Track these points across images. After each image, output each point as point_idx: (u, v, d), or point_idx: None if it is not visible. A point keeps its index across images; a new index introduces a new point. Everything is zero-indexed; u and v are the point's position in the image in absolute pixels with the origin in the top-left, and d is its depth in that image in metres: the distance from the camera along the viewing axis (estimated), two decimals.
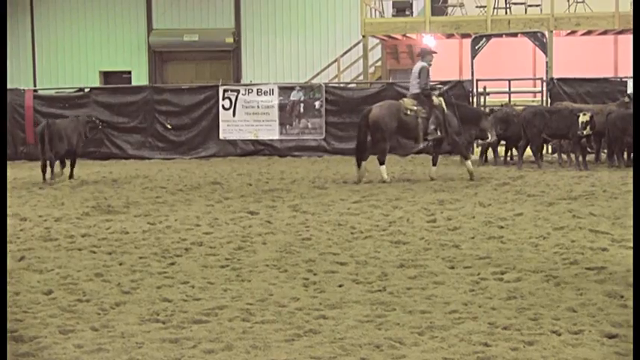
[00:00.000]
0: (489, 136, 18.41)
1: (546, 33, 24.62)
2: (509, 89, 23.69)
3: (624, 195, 14.45)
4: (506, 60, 27.97)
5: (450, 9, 28.51)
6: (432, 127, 17.56)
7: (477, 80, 23.57)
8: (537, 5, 26.97)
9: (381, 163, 17.49)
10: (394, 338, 6.61)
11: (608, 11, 25.59)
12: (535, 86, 25.46)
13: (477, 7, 27.57)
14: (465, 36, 27.54)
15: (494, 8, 26.92)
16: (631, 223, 11.63)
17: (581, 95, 22.66)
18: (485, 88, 23.60)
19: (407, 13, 28.22)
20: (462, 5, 27.95)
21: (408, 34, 27.83)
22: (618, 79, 23.98)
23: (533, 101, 23.90)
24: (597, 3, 26.38)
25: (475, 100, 23.32)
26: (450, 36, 28.06)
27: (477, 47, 23.72)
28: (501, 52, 27.44)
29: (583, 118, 18.93)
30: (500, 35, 25.47)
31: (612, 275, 8.62)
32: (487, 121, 18.45)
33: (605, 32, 27.20)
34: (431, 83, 17.94)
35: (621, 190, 15.12)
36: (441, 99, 17.96)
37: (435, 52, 18.33)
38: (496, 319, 7.08)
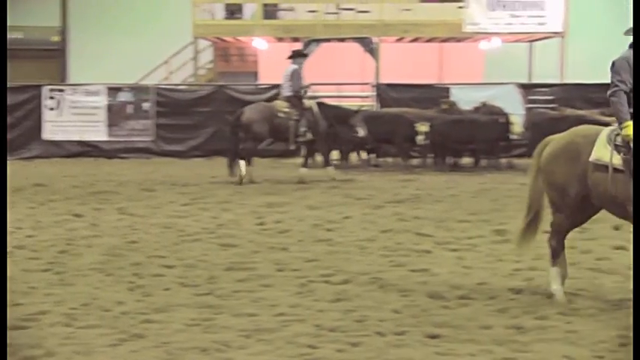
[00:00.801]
0: (360, 132, 18.64)
1: (375, 39, 25.06)
2: (339, 93, 23.96)
3: (448, 198, 14.85)
4: (336, 64, 28.33)
5: (281, 13, 28.63)
6: (302, 129, 17.70)
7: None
8: (367, 11, 27.43)
9: (249, 163, 17.59)
10: (221, 341, 6.56)
11: (435, 19, 26.30)
12: (364, 91, 25.86)
13: (307, 11, 27.80)
14: (295, 40, 27.71)
15: (324, 13, 27.21)
16: (454, 226, 11.98)
17: (407, 101, 23.15)
18: (315, 92, 23.79)
19: (238, 15, 28.21)
20: (292, 10, 28.12)
21: (239, 37, 27.81)
22: (442, 86, 24.63)
23: (362, 106, 24.24)
24: (424, 11, 27.08)
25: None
26: (280, 39, 28.20)
27: (307, 51, 23.87)
28: (331, 56, 27.76)
29: (421, 128, 19.35)
30: (330, 40, 25.76)
31: (435, 277, 8.83)
32: (356, 118, 18.73)
33: (431, 39, 27.93)
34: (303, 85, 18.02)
35: (445, 193, 15.53)
36: (312, 101, 18.16)
37: (307, 55, 18.43)
38: (323, 321, 7.13)
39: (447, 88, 23.68)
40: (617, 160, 7.34)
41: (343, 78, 25.50)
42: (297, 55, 18.27)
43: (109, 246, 10.55)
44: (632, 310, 6.22)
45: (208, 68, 31.51)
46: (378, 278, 8.74)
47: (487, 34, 26.47)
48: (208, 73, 31.32)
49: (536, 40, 28.25)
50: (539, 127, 20.02)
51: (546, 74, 27.48)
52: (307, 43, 24.05)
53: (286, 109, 17.70)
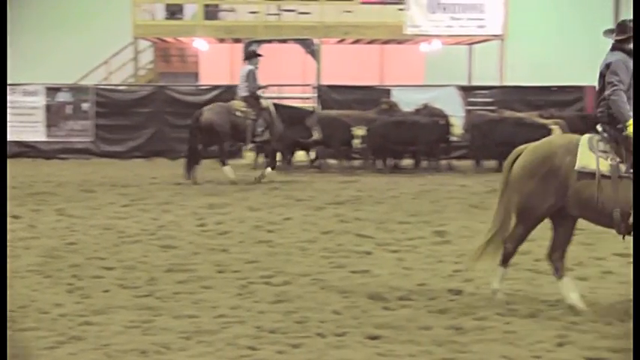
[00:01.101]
0: (314, 133, 18.89)
1: (316, 40, 25.09)
2: (280, 94, 23.94)
3: (389, 200, 14.92)
4: (278, 66, 28.28)
5: (222, 13, 28.52)
6: (259, 129, 17.76)
7: None
8: (308, 13, 27.45)
9: (224, 164, 17.61)
10: (160, 343, 6.52)
11: (375, 21, 26.39)
12: (305, 92, 25.86)
13: (249, 12, 27.73)
14: (236, 41, 27.63)
15: (266, 14, 27.18)
16: (395, 227, 12.04)
17: (349, 102, 23.21)
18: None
19: (179, 16, 28.04)
20: (233, 10, 28.03)
21: (179, 38, 27.64)
22: (383, 87, 24.73)
23: (303, 107, 24.25)
24: (365, 13, 27.16)
25: None
26: (221, 40, 28.10)
27: None
28: (273, 57, 27.71)
29: (358, 132, 19.41)
30: (271, 41, 25.72)
31: (376, 278, 8.86)
32: (312, 119, 18.97)
33: (372, 41, 28.03)
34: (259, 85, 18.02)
35: (386, 195, 15.60)
36: (269, 102, 18.24)
37: (261, 55, 18.41)
38: (263, 323, 7.12)
39: (388, 90, 23.78)
40: (604, 166, 7.34)
41: (284, 79, 25.47)
42: (252, 56, 18.29)
43: (47, 247, 10.43)
44: (632, 309, 6.30)
45: (149, 69, 31.28)
46: (319, 279, 8.75)
47: (427, 37, 26.62)
48: (148, 74, 31.10)
49: (476, 42, 28.48)
50: (479, 129, 20.25)
51: (486, 77, 27.73)
52: (248, 44, 23.98)
53: (243, 109, 17.72)
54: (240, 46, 25.22)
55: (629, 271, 9.23)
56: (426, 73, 31.31)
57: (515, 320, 7.26)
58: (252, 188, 16.69)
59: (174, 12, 28.04)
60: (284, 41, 26.06)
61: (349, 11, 27.47)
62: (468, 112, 22.58)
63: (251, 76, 17.81)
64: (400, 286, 8.43)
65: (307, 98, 24.54)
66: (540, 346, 6.56)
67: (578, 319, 7.25)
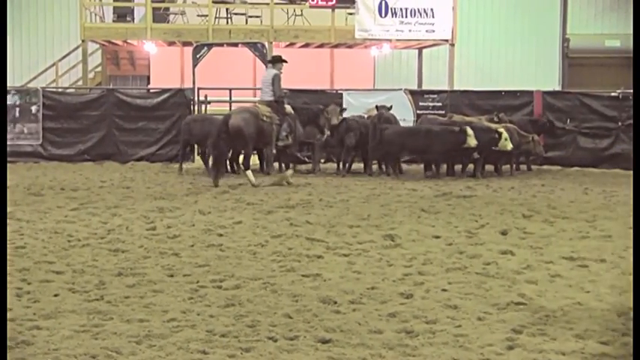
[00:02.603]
0: (326, 132, 19.36)
1: (266, 44, 25.10)
2: (230, 98, 23.90)
3: (339, 204, 14.95)
4: (228, 69, 28.24)
5: (171, 17, 28.42)
6: (283, 133, 18.06)
7: (199, 88, 23.62)
8: (258, 17, 27.45)
9: (247, 168, 17.76)
10: (111, 348, 6.47)
11: (325, 25, 26.46)
12: (255, 96, 25.83)
13: (198, 15, 27.67)
14: (186, 44, 27.56)
15: (215, 18, 27.12)
16: (345, 230, 12.06)
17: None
18: (206, 96, 23.70)
19: (128, 19, 27.88)
20: (183, 13, 27.94)
21: (128, 41, 27.47)
22: (334, 91, 24.79)
23: None
24: (315, 17, 27.24)
25: (196, 108, 23.36)
26: (171, 44, 28.00)
27: (198, 56, 23.75)
28: (223, 61, 27.68)
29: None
30: (221, 44, 25.68)
31: (327, 282, 8.87)
32: (324, 118, 19.22)
33: (322, 45, 28.09)
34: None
35: (336, 199, 15.62)
36: (290, 107, 18.50)
37: (286, 62, 18.53)
38: (214, 327, 7.10)
39: (339, 94, 23.84)
40: None
41: (235, 83, 25.42)
42: (277, 61, 18.42)
43: None
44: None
45: (97, 71, 31.06)
46: (270, 283, 8.74)
47: (377, 41, 26.74)
48: (97, 77, 30.88)
49: (426, 47, 28.68)
50: None
51: (436, 81, 27.94)
52: (199, 48, 23.92)
53: (269, 114, 17.90)
54: (190, 50, 25.14)
55: (577, 274, 9.37)
56: (376, 77, 31.49)
57: (465, 323, 7.31)
58: (202, 192, 16.63)
59: (123, 14, 27.87)
60: (234, 45, 26.04)
61: (299, 15, 27.53)
62: (419, 116, 22.70)
63: (277, 81, 18.02)
64: (351, 290, 8.44)
65: (257, 102, 24.47)
66: (490, 349, 6.61)
67: (527, 323, 7.32)
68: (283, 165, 20.15)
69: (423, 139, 19.43)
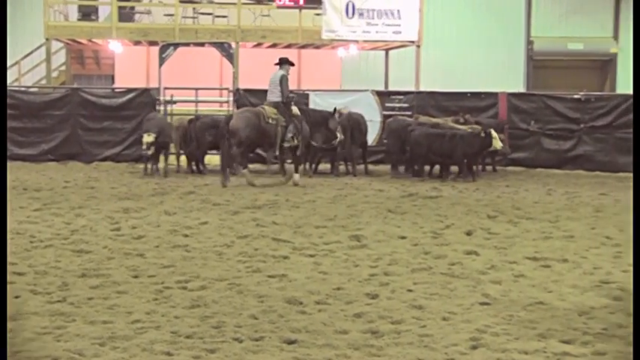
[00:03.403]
0: (338, 135, 19.42)
1: (233, 44, 25.03)
2: (196, 98, 23.83)
3: (305, 204, 14.95)
4: (194, 69, 28.16)
5: (137, 16, 28.27)
6: (289, 135, 18.07)
7: (165, 88, 23.51)
8: (224, 16, 27.38)
9: (244, 167, 17.90)
10: (73, 350, 6.42)
11: (293, 26, 26.45)
12: (222, 96, 25.78)
13: (164, 15, 27.55)
14: (152, 43, 27.43)
15: (182, 17, 27.02)
16: (312, 231, 12.06)
17: None
18: (172, 96, 23.60)
19: (93, 17, 27.68)
20: (149, 13, 27.82)
21: (93, 40, 27.28)
22: (301, 92, 24.77)
23: (219, 111, 24.18)
24: (282, 17, 27.21)
25: (162, 108, 23.24)
26: (137, 43, 27.85)
27: (164, 55, 23.64)
28: (189, 61, 27.59)
29: (147, 139, 19.25)
30: (187, 44, 25.59)
31: (292, 282, 8.87)
32: (334, 121, 19.35)
33: (289, 46, 28.07)
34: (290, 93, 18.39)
35: (303, 199, 15.63)
36: (297, 108, 18.54)
37: (293, 64, 18.65)
38: (179, 328, 7.07)
39: (306, 94, 23.84)
40: None
41: (201, 83, 25.33)
42: (285, 62, 18.43)
43: None
44: (631, 307, 6.34)
45: (62, 70, 30.82)
46: (235, 284, 8.73)
47: (344, 42, 26.76)
48: (62, 76, 30.64)
49: (393, 48, 28.74)
50: (397, 134, 20.42)
51: (402, 82, 28.00)
52: (165, 48, 23.81)
53: (275, 115, 17.95)
54: (156, 49, 25.03)
55: (541, 274, 9.44)
56: (343, 77, 31.52)
57: (430, 323, 7.34)
58: (168, 192, 16.56)
59: (88, 13, 27.66)
60: (201, 45, 25.95)
61: (266, 15, 27.50)
62: (386, 116, 22.74)
63: (284, 83, 18.06)
64: (317, 290, 8.45)
65: (224, 102, 24.45)
66: (455, 348, 6.64)
67: (491, 322, 7.36)
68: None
69: (449, 142, 19.44)
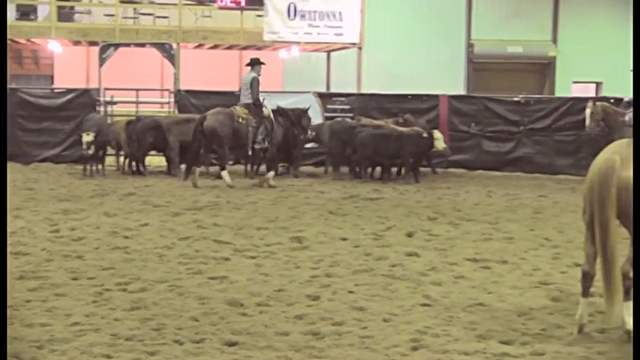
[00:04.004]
0: (310, 133, 19.69)
1: (174, 45, 24.90)
2: (137, 99, 23.67)
3: (247, 206, 14.92)
4: (135, 70, 27.96)
5: (77, 15, 27.98)
6: (260, 136, 18.13)
7: (105, 89, 23.31)
8: (165, 17, 27.23)
9: (223, 168, 17.97)
10: (11, 353, 6.33)
11: (234, 27, 26.38)
12: (163, 97, 25.64)
13: (105, 15, 27.31)
14: (92, 44, 27.16)
15: (122, 17, 26.81)
16: (252, 233, 12.04)
17: (208, 107, 23.06)
18: (112, 97, 23.41)
19: (32, 17, 27.34)
20: (89, 13, 27.55)
21: (32, 39, 26.95)
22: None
23: (160, 112, 24.03)
24: (224, 18, 27.13)
25: (103, 108, 23.03)
26: (77, 43, 27.56)
27: (104, 56, 23.44)
28: (130, 61, 27.39)
29: (87, 138, 19.19)
30: (128, 45, 25.39)
31: (234, 284, 8.85)
32: (307, 119, 19.44)
33: (230, 47, 28.01)
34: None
35: (244, 201, 15.59)
36: (270, 110, 18.54)
37: (264, 64, 18.66)
38: (119, 330, 7.01)
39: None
40: None
41: (142, 84, 25.15)
42: (256, 63, 18.47)
43: None
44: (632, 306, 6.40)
45: None
46: (176, 286, 8.68)
47: (286, 43, 26.77)
48: None
49: (334, 50, 28.80)
50: (339, 136, 20.46)
51: (344, 84, 28.08)
52: (105, 48, 23.61)
53: (245, 116, 18.01)
54: (96, 50, 24.79)
55: (481, 275, 9.53)
56: (285, 79, 31.53)
57: (371, 325, 7.36)
58: (107, 193, 16.41)
59: (26, 12, 27.31)
60: (141, 45, 25.76)
61: (208, 16, 27.40)
62: (327, 118, 22.77)
63: (255, 84, 18.13)
64: (258, 292, 8.44)
65: (165, 103, 24.32)
66: (395, 350, 6.68)
67: (432, 324, 7.41)
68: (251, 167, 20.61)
69: (395, 143, 19.52)
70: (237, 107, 18.31)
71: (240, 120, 18.02)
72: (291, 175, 20.49)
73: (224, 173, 17.98)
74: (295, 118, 19.44)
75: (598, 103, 20.61)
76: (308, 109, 20.01)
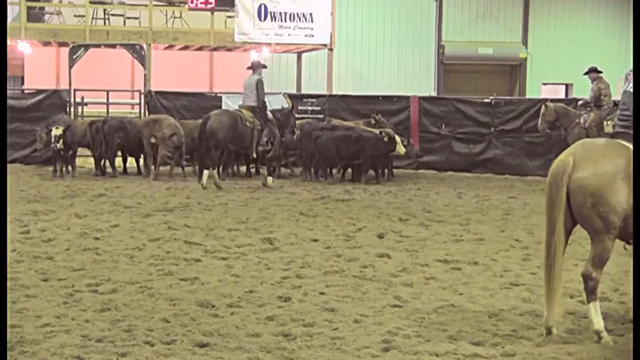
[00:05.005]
0: (295, 132, 19.57)
1: (144, 46, 24.81)
2: (108, 100, 23.58)
3: (218, 207, 14.90)
4: (105, 71, 27.83)
5: (47, 16, 27.81)
6: (264, 139, 18.08)
7: (75, 90, 23.19)
8: (136, 18, 27.12)
9: (207, 168, 17.78)
10: None
11: (205, 28, 26.31)
12: (133, 98, 25.54)
13: (75, 16, 27.15)
14: (62, 45, 27.01)
15: (93, 18, 26.67)
16: (223, 234, 12.03)
17: (178, 109, 23.04)
18: (83, 98, 23.30)
19: None
20: (59, 13, 27.38)
21: None
22: (213, 94, 24.70)
23: (131, 113, 23.94)
24: (194, 20, 27.04)
25: (72, 110, 22.92)
26: (47, 44, 27.40)
27: (74, 57, 23.32)
28: (100, 62, 27.25)
29: (56, 132, 19.13)
30: (99, 46, 25.25)
31: (204, 285, 8.84)
32: (293, 119, 19.37)
33: (201, 48, 27.95)
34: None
35: (215, 202, 15.57)
36: (270, 113, 18.52)
37: (265, 67, 18.74)
38: (90, 332, 7.00)
39: (219, 97, 23.77)
40: None
41: (112, 85, 25.06)
42: (258, 66, 18.39)
43: None
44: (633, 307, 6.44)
45: None
46: (147, 287, 8.67)
47: (257, 44, 26.74)
48: None
49: (305, 51, 28.82)
50: (310, 137, 20.47)
51: (315, 85, 28.10)
52: (75, 49, 23.49)
53: (251, 119, 17.94)
54: (66, 50, 24.66)
55: (451, 276, 9.57)
56: None
57: (342, 326, 7.39)
58: (78, 195, 16.34)
59: None
60: (112, 46, 25.65)
61: (178, 17, 27.32)
62: (298, 120, 22.77)
63: (260, 87, 18.05)
64: (229, 293, 8.44)
65: (135, 104, 24.23)
66: (366, 351, 6.70)
67: (402, 325, 7.44)
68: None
69: (355, 144, 19.58)
70: (243, 110, 18.23)
71: (247, 123, 17.96)
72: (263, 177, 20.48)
73: (206, 172, 17.78)
74: (284, 119, 19.39)
75: (550, 104, 20.72)
76: (292, 108, 19.98)
